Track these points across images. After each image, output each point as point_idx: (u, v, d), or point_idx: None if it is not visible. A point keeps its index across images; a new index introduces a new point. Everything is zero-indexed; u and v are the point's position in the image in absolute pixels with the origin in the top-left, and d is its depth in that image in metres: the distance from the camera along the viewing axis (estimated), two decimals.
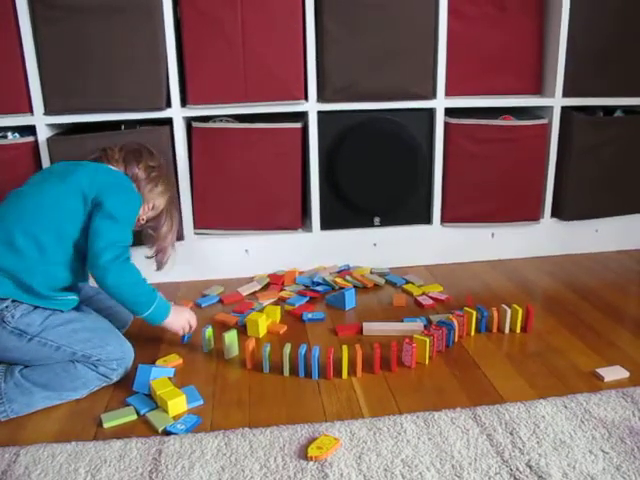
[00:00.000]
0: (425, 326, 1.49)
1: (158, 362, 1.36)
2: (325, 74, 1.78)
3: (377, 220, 1.95)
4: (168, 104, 1.74)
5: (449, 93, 1.87)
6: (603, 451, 1.03)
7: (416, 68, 1.82)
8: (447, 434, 1.09)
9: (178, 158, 1.79)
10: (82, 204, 1.27)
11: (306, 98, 1.80)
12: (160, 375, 1.27)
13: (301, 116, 1.85)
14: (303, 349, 1.31)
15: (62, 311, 1.26)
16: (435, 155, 1.91)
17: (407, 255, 1.97)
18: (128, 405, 1.21)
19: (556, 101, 1.91)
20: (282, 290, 1.79)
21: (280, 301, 1.72)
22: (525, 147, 1.91)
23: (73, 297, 1.31)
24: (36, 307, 1.22)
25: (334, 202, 1.91)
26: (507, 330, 1.50)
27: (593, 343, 1.44)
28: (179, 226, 1.61)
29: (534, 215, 2.01)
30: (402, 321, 1.54)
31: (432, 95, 1.86)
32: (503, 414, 1.14)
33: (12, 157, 1.66)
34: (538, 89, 1.96)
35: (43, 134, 1.68)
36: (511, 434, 1.09)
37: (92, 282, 1.32)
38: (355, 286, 1.79)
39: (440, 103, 1.87)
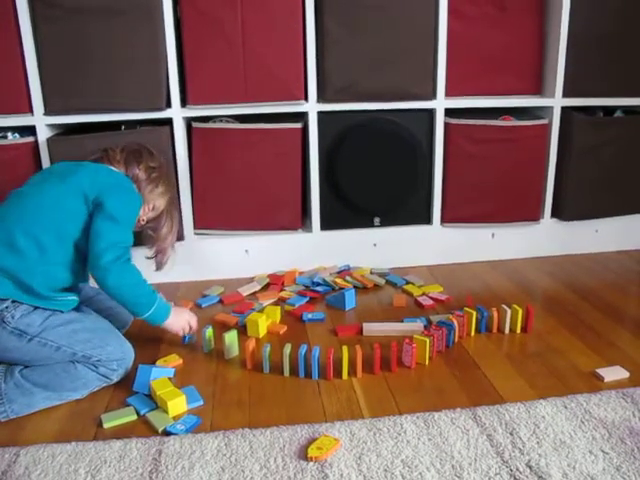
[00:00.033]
0: (425, 326, 1.50)
1: (158, 362, 1.37)
2: (325, 74, 1.78)
3: (377, 220, 1.95)
4: (168, 104, 1.74)
5: (449, 93, 1.87)
6: (603, 451, 1.03)
7: (416, 68, 1.82)
8: (447, 434, 1.09)
9: (178, 158, 1.79)
10: (83, 204, 1.27)
11: (306, 98, 1.80)
12: (160, 375, 1.27)
13: (301, 116, 1.84)
14: (303, 349, 1.31)
15: (62, 311, 1.26)
16: (435, 155, 1.91)
17: (407, 255, 1.97)
18: (128, 405, 1.21)
19: (556, 101, 1.91)
20: (282, 290, 1.79)
21: (280, 301, 1.72)
22: (525, 147, 1.91)
23: (73, 298, 1.31)
24: (36, 307, 1.22)
25: (334, 202, 1.91)
26: (507, 330, 1.50)
27: (593, 343, 1.44)
28: (179, 226, 1.61)
29: (534, 215, 2.01)
30: (402, 321, 1.54)
31: (432, 95, 1.86)
32: (503, 414, 1.14)
33: (12, 157, 1.66)
34: (538, 89, 1.96)
35: (43, 134, 1.68)
36: (511, 434, 1.09)
37: (92, 283, 1.32)
38: (355, 286, 1.79)
39: (440, 103, 1.87)
